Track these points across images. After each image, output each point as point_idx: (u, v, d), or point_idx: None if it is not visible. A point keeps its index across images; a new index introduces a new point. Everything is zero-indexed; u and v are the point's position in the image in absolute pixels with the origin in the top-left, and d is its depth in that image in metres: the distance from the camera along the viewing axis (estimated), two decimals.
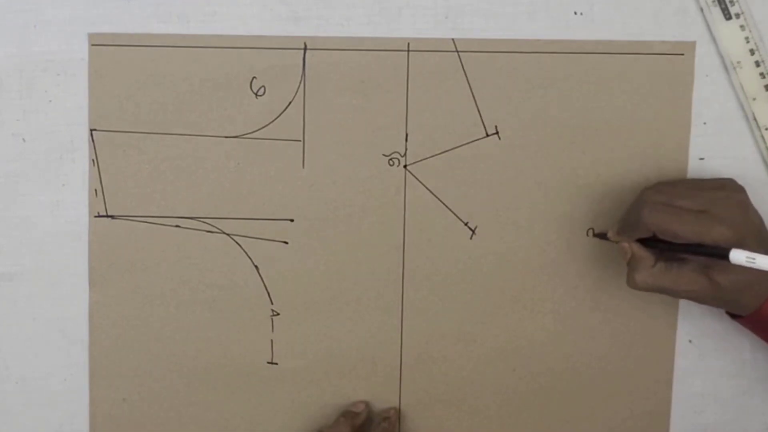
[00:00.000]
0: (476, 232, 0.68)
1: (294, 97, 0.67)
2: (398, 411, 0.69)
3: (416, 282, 0.68)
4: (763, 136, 0.67)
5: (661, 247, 0.60)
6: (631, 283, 0.61)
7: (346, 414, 0.67)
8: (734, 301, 0.61)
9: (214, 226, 0.68)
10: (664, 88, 0.67)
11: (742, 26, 0.66)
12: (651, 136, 0.67)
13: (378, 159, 0.67)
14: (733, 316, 0.64)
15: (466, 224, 0.68)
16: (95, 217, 0.68)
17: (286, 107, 0.67)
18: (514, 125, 0.67)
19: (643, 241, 0.61)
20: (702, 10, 0.66)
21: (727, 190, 0.60)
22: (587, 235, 0.68)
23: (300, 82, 0.66)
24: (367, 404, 0.69)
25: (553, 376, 0.69)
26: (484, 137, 0.67)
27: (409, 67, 0.66)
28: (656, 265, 0.60)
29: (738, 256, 0.56)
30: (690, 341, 0.69)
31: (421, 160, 0.67)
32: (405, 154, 0.67)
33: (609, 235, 0.63)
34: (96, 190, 0.67)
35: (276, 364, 0.69)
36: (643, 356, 0.69)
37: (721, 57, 0.66)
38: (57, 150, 0.67)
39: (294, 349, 0.69)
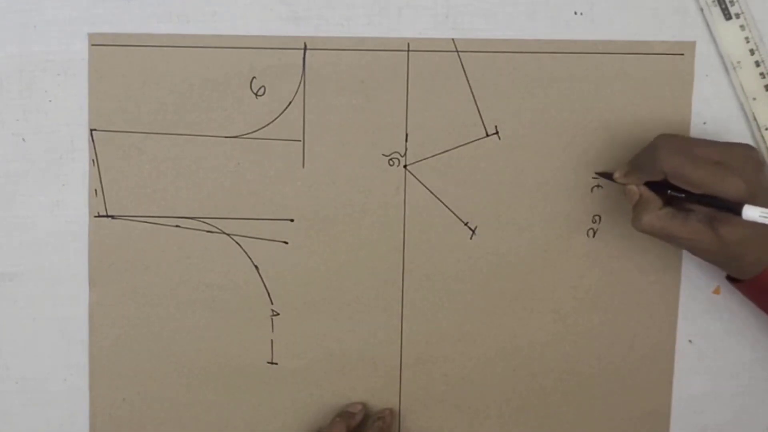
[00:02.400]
0: (476, 232, 0.68)
1: (294, 97, 0.67)
2: (394, 412, 0.69)
3: (416, 282, 0.68)
4: (763, 136, 0.67)
5: (669, 194, 0.60)
6: (637, 224, 0.61)
7: (343, 414, 0.67)
8: (735, 259, 0.60)
9: (214, 226, 0.68)
10: (664, 88, 0.67)
11: (742, 26, 0.66)
12: (651, 136, 0.66)
13: (378, 159, 0.67)
14: (732, 281, 0.63)
15: (466, 224, 0.68)
16: (95, 217, 0.68)
17: (286, 107, 0.67)
18: (514, 125, 0.67)
19: (651, 188, 0.61)
20: (702, 10, 0.66)
21: (743, 147, 0.60)
22: (587, 235, 0.68)
23: (300, 82, 0.66)
24: (364, 405, 0.68)
25: (553, 376, 0.69)
26: (484, 137, 0.67)
27: (409, 67, 0.66)
28: (664, 209, 0.60)
29: (751, 213, 0.56)
30: (690, 341, 0.69)
31: (421, 160, 0.67)
32: (405, 154, 0.67)
33: (616, 176, 0.62)
34: (96, 190, 0.67)
35: (276, 364, 0.69)
36: (643, 356, 0.69)
37: (721, 57, 0.66)
38: (57, 150, 0.67)
39: (294, 349, 0.69)
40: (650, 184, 0.61)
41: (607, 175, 0.64)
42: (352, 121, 0.67)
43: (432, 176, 0.67)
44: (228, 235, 0.68)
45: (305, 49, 0.66)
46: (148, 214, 0.68)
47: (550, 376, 0.69)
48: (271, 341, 0.69)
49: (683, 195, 0.59)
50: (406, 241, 0.68)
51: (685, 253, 0.68)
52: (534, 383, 0.69)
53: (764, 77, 0.66)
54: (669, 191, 0.60)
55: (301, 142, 0.67)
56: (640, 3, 0.66)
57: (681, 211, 0.60)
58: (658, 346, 0.69)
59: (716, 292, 0.68)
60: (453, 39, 0.66)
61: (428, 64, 0.66)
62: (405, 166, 0.67)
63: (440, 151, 0.67)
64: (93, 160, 0.67)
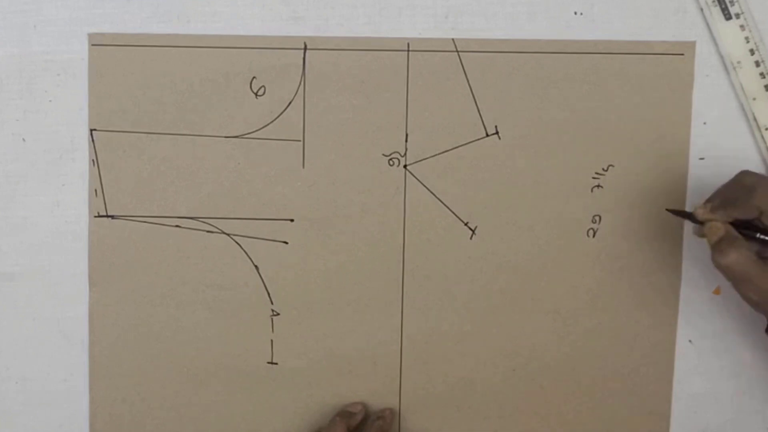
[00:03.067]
0: (476, 232, 0.68)
1: (294, 97, 0.67)
2: (394, 411, 0.69)
3: (416, 282, 0.68)
4: (763, 136, 0.67)
5: (758, 237, 0.59)
6: (723, 260, 0.58)
7: (342, 414, 0.67)
8: None
9: (214, 226, 0.68)
10: (664, 88, 0.67)
11: (742, 26, 0.66)
12: (651, 136, 0.67)
13: (378, 159, 0.67)
14: None
15: (466, 224, 0.68)
16: (95, 217, 0.68)
17: (286, 107, 0.67)
18: (514, 125, 0.67)
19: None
20: (702, 10, 0.66)
21: None
22: (587, 235, 0.68)
23: (300, 82, 0.66)
24: (363, 405, 0.68)
25: (553, 376, 0.69)
26: (484, 137, 0.67)
27: (409, 67, 0.66)
28: (749, 250, 0.58)
29: None
30: (690, 341, 0.69)
31: (421, 160, 0.67)
32: (405, 154, 0.67)
33: (699, 212, 0.60)
34: (96, 190, 0.67)
35: (276, 364, 0.69)
36: (643, 356, 0.69)
37: (721, 57, 0.66)
38: (57, 150, 0.67)
39: (294, 349, 0.69)
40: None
41: (682, 214, 0.63)
42: (352, 121, 0.67)
43: (432, 176, 0.67)
44: (228, 235, 0.68)
45: (305, 49, 0.66)
46: (148, 214, 0.68)
47: (550, 376, 0.69)
48: (271, 341, 0.69)
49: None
50: (406, 241, 0.68)
51: (685, 253, 0.68)
52: (534, 383, 0.69)
53: (764, 77, 0.66)
54: (758, 234, 0.59)
55: (301, 142, 0.67)
56: (640, 3, 0.66)
57: (761, 259, 0.58)
58: (658, 346, 0.69)
59: (716, 292, 0.68)
60: (453, 39, 0.66)
61: (428, 64, 0.66)
62: (405, 166, 0.67)
63: (440, 151, 0.67)
64: (93, 160, 0.67)
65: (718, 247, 0.59)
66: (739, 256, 0.58)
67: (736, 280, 0.58)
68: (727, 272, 0.58)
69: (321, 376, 0.69)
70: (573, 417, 0.69)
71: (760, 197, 0.58)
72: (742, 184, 0.59)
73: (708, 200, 0.60)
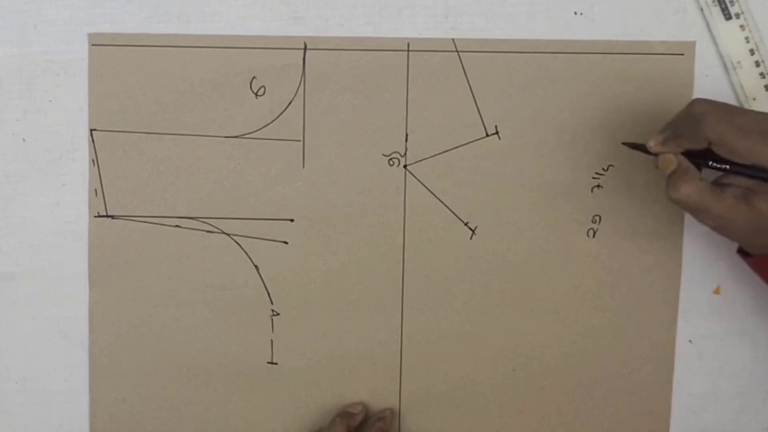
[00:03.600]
0: (476, 232, 0.68)
1: (294, 97, 0.67)
2: (394, 411, 0.69)
3: (416, 282, 0.68)
4: None
5: (710, 165, 0.58)
6: (675, 194, 0.58)
7: (343, 414, 0.67)
8: (761, 234, 0.58)
9: (214, 226, 0.68)
10: (664, 88, 0.66)
11: (742, 26, 0.66)
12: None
13: (378, 159, 0.67)
14: (744, 255, 0.62)
15: (466, 224, 0.68)
16: (95, 217, 0.68)
17: (286, 107, 0.67)
18: (514, 125, 0.67)
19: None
20: (702, 10, 0.66)
21: None
22: (587, 235, 0.68)
23: (300, 82, 0.66)
24: (364, 405, 0.68)
25: (553, 376, 0.69)
26: (484, 137, 0.67)
27: (409, 67, 0.66)
28: (703, 180, 0.58)
29: None
30: (690, 341, 0.69)
31: (421, 160, 0.67)
32: (405, 154, 0.67)
33: (651, 144, 0.59)
34: (96, 190, 0.67)
35: (276, 364, 0.69)
36: (643, 356, 0.69)
37: (721, 57, 0.66)
38: (57, 150, 0.67)
39: (294, 349, 0.69)
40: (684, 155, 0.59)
41: (636, 146, 0.62)
42: (352, 121, 0.67)
43: (432, 176, 0.67)
44: (228, 235, 0.68)
45: (305, 49, 0.66)
46: (148, 214, 0.68)
47: (550, 376, 0.69)
48: (271, 341, 0.69)
49: (727, 166, 0.57)
50: (406, 241, 0.68)
51: (685, 252, 0.68)
52: (534, 383, 0.69)
53: (764, 77, 0.66)
54: (711, 162, 0.58)
55: (301, 142, 0.67)
56: (640, 3, 0.66)
57: (716, 186, 0.58)
58: (658, 346, 0.69)
59: (716, 292, 0.68)
60: (453, 39, 0.66)
61: (428, 64, 0.66)
62: (405, 166, 0.67)
63: (440, 151, 0.67)
64: (93, 160, 0.67)
65: (669, 181, 0.58)
66: (691, 188, 0.57)
67: (691, 211, 0.59)
68: (680, 205, 0.58)
69: (321, 376, 0.69)
70: (573, 417, 0.69)
71: (709, 127, 0.57)
72: (693, 114, 0.58)
73: (661, 131, 0.60)
